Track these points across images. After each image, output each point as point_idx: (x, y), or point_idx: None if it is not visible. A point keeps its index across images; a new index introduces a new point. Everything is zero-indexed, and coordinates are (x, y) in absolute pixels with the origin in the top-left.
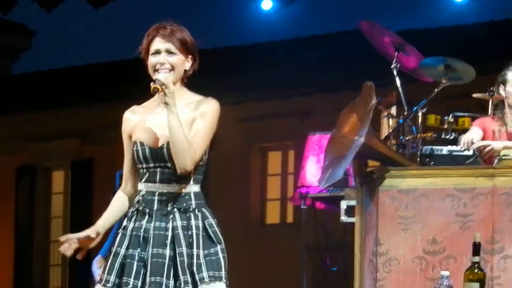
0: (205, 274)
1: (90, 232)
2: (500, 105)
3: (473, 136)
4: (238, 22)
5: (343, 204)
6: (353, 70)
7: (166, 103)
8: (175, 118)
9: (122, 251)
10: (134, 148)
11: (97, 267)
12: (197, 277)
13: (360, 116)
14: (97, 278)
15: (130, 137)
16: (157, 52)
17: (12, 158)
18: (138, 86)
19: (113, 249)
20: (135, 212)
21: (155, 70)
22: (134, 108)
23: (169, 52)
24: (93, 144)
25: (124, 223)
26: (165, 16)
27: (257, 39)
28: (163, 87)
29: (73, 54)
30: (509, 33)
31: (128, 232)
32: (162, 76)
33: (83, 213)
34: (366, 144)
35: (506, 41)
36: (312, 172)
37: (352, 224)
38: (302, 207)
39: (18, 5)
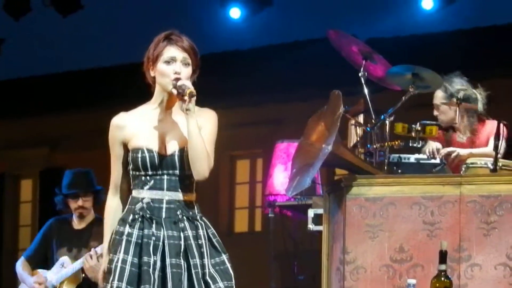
0: (220, 284)
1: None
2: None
3: (437, 144)
4: (206, 30)
5: (311, 213)
6: (322, 78)
7: (188, 109)
8: (196, 125)
9: (130, 258)
10: (139, 155)
11: (21, 269)
12: (212, 287)
13: (328, 124)
14: (28, 279)
15: (123, 144)
16: (173, 59)
17: None
18: (110, 95)
19: (119, 256)
20: (140, 219)
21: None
22: (124, 115)
23: (185, 62)
24: (63, 153)
25: (127, 229)
26: (132, 25)
27: (226, 48)
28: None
29: (43, 62)
30: (477, 42)
31: (134, 239)
32: (189, 82)
33: None
34: (333, 152)
35: (474, 49)
36: (280, 180)
37: (320, 232)
38: (270, 215)
39: None
